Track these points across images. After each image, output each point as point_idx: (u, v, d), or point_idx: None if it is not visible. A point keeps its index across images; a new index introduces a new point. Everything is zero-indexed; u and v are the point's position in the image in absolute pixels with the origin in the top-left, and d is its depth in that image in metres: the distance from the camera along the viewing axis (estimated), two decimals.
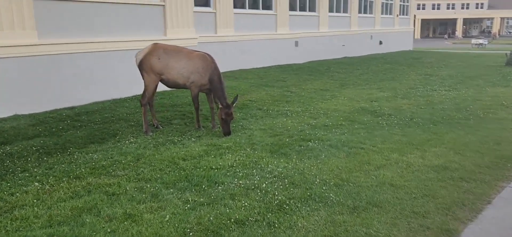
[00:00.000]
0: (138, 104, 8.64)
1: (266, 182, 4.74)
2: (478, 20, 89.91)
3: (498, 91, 11.47)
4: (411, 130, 7.22)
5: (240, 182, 4.78)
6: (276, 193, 4.44)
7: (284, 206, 4.14)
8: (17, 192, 4.52)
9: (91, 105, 9.03)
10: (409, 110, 8.85)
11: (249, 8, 16.91)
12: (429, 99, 10.15)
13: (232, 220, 3.85)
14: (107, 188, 4.63)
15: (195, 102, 7.33)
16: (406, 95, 10.81)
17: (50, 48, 8.63)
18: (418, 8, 77.80)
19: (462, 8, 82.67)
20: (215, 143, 6.43)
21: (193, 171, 5.14)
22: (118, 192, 4.52)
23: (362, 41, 25.41)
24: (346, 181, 4.78)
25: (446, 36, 76.18)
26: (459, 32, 78.87)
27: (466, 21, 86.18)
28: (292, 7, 19.34)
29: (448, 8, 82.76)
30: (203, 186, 4.63)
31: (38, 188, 4.67)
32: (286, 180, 4.81)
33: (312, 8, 20.86)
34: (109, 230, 3.71)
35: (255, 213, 4.00)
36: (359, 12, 25.26)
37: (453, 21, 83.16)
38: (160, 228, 3.74)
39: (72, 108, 8.68)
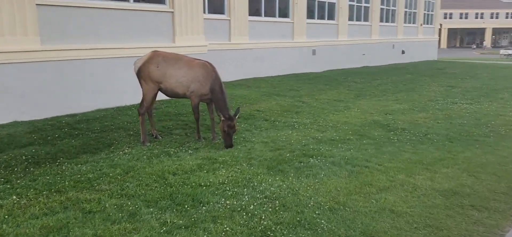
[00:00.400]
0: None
1: (255, 203, 4.37)
2: (508, 30, 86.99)
3: None
4: (424, 147, 6.71)
5: (227, 202, 4.42)
6: (263, 217, 4.06)
7: (269, 232, 3.75)
8: None
9: (93, 113, 8.84)
10: (425, 125, 8.32)
11: (264, 16, 16.60)
12: (448, 113, 9.57)
13: None
14: (85, 205, 4.34)
15: (195, 113, 7.03)
16: (423, 108, 10.24)
17: (54, 54, 8.49)
18: (445, 17, 76.01)
19: (492, 17, 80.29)
20: (212, 156, 6.09)
21: (180, 188, 4.80)
22: (95, 210, 4.22)
23: (384, 50, 24.75)
24: (342, 205, 4.35)
25: (474, 46, 74.13)
26: (487, 42, 76.62)
27: (496, 31, 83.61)
28: (310, 15, 18.93)
29: (476, 18, 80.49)
30: (186, 206, 4.29)
31: (15, 202, 4.41)
32: (277, 202, 4.42)
33: (330, 17, 20.39)
34: None
35: None
36: (381, 21, 24.64)
37: (482, 31, 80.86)
38: None
39: (73, 115, 8.51)
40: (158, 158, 6.02)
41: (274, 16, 17.09)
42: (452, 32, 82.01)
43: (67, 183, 4.97)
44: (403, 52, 26.84)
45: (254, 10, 16.04)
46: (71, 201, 4.44)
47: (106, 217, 4.06)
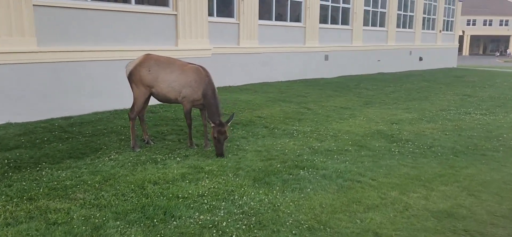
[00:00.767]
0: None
1: (230, 219, 4.08)
2: None
3: None
4: (425, 161, 6.30)
5: (201, 216, 4.14)
6: (234, 235, 3.77)
7: None
8: None
9: (89, 115, 8.70)
10: (431, 136, 7.89)
11: (275, 20, 16.31)
12: (458, 124, 9.10)
13: None
14: (52, 215, 4.13)
15: (187, 119, 6.80)
16: (433, 118, 9.78)
17: (50, 56, 8.39)
18: (468, 24, 74.16)
19: None
20: (199, 164, 5.83)
21: (156, 199, 4.56)
22: (60, 221, 4.00)
23: (400, 56, 24.15)
24: (323, 225, 4.03)
25: (497, 53, 72.14)
26: (511, 50, 74.45)
27: None
28: (323, 20, 18.55)
29: (501, 25, 78.15)
30: (155, 220, 4.03)
31: None
32: (253, 218, 4.12)
33: (344, 22, 19.96)
34: None
35: None
36: (398, 26, 24.04)
37: (506, 38, 78.52)
38: None
39: (67, 118, 8.38)
40: (143, 165, 5.79)
41: (285, 20, 16.79)
42: (475, 39, 79.90)
43: (41, 190, 4.78)
44: (420, 59, 26.16)
45: (264, 14, 15.77)
46: (39, 210, 4.24)
47: (69, 230, 3.84)
